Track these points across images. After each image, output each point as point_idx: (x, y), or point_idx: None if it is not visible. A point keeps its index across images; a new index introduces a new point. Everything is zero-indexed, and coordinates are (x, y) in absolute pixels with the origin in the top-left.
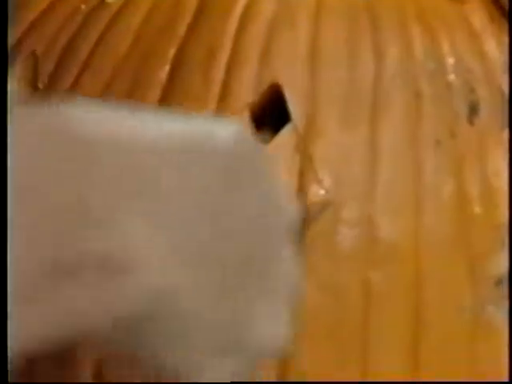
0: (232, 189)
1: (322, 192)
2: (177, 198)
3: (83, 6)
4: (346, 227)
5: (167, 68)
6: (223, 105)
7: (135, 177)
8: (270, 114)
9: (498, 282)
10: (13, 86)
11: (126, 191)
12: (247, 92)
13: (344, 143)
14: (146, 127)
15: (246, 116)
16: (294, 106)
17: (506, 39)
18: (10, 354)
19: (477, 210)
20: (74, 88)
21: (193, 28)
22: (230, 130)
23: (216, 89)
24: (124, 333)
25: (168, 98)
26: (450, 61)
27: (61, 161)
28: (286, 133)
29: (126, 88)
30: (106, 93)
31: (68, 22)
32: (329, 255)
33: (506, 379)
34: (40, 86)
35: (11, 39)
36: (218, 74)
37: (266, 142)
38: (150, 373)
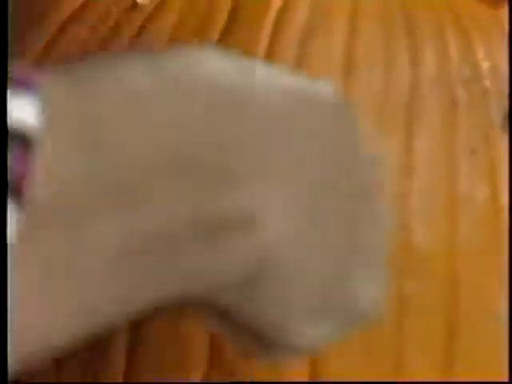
0: (340, 143)
1: None
2: (305, 150)
3: (115, 9)
4: None
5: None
6: None
7: (271, 130)
8: None
9: None
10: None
11: (265, 146)
12: None
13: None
14: (274, 79)
15: None
16: None
17: None
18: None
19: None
20: None
21: (226, 33)
22: (329, 87)
23: None
24: (242, 285)
25: None
26: (486, 66)
27: (201, 109)
28: None
29: None
30: None
31: (100, 24)
32: None
33: (506, 379)
34: None
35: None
36: None
37: None
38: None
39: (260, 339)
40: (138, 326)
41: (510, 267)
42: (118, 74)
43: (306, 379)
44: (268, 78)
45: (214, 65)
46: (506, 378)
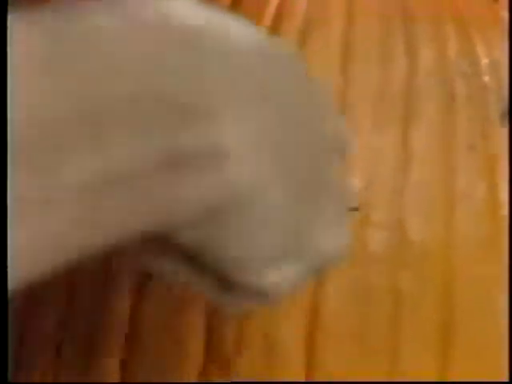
0: (305, 98)
1: (354, 194)
2: (275, 99)
3: None
4: (376, 230)
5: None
6: None
7: (244, 76)
8: None
9: None
10: None
11: (236, 89)
12: None
13: (376, 144)
14: (244, 29)
15: None
16: None
17: None
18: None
19: (508, 212)
20: None
21: None
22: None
23: None
24: (207, 221)
25: None
26: (485, 62)
27: (172, 48)
28: None
29: None
30: None
31: None
32: (359, 258)
33: (506, 379)
34: None
35: None
36: None
37: None
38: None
39: (223, 282)
40: (134, 321)
41: (510, 264)
42: (85, 15)
43: (302, 375)
44: (238, 28)
45: (184, 10)
46: (506, 378)
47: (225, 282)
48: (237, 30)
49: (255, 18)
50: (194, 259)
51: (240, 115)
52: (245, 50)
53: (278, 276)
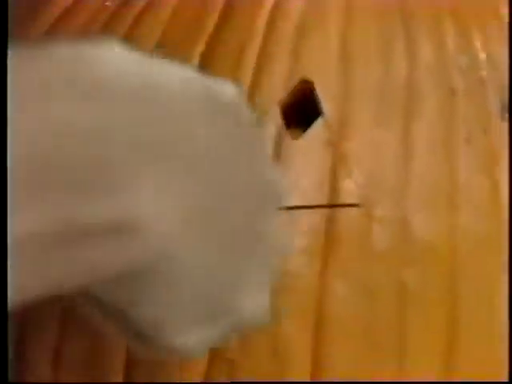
0: (237, 150)
1: (355, 189)
2: (206, 161)
3: (109, 3)
4: (379, 226)
5: (196, 62)
6: (253, 102)
7: (169, 130)
8: (301, 111)
9: None
10: None
11: (159, 159)
12: (277, 89)
13: (377, 140)
14: (167, 73)
15: (277, 112)
16: (326, 101)
17: None
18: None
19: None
20: None
21: (221, 25)
22: (234, 90)
23: (245, 86)
24: (122, 287)
25: None
26: (483, 56)
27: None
28: (316, 128)
29: None
30: None
31: (94, 19)
32: (362, 254)
33: (506, 379)
34: None
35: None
36: (248, 70)
37: (297, 137)
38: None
39: (141, 337)
40: None
41: (510, 259)
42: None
43: (308, 373)
44: (169, 77)
45: (112, 66)
46: (505, 378)
47: (140, 334)
48: (174, 82)
49: (251, 14)
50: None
51: (161, 184)
52: (183, 104)
53: (192, 339)
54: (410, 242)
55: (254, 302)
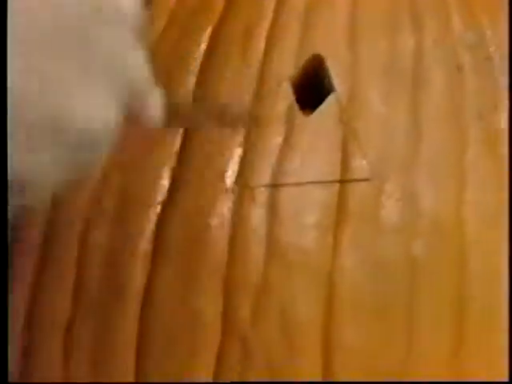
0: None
1: (366, 165)
2: None
3: None
4: (389, 200)
5: (204, 45)
6: (263, 78)
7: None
8: (311, 87)
9: None
10: None
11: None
12: (288, 65)
13: (386, 116)
14: None
15: (288, 88)
16: (336, 77)
17: None
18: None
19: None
20: None
21: (230, 3)
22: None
23: (256, 63)
24: None
25: (206, 73)
26: (489, 33)
27: None
28: (328, 104)
29: (164, 65)
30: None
31: None
32: (373, 229)
33: (506, 379)
34: None
35: None
36: (258, 47)
37: (308, 114)
38: None
39: None
40: (148, 292)
41: (510, 260)
42: None
43: (319, 348)
44: None
45: None
46: (506, 378)
47: None
48: None
49: None
50: None
51: None
52: None
53: (39, 163)
54: (419, 215)
55: (88, 112)
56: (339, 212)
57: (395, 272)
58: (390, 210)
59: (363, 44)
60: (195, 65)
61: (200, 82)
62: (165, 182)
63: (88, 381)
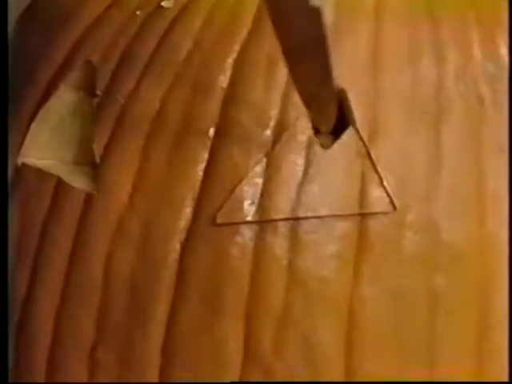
0: None
1: (386, 196)
2: None
3: (138, 12)
4: (410, 231)
5: (228, 73)
6: (285, 110)
7: None
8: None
9: None
10: (69, 95)
11: None
12: None
13: (407, 147)
14: None
15: (308, 120)
16: (356, 109)
17: None
18: None
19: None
20: (133, 94)
21: (253, 33)
22: None
23: (278, 94)
24: None
25: (229, 103)
26: (508, 64)
27: None
28: (348, 136)
29: (186, 94)
30: (167, 99)
31: (124, 29)
32: (394, 260)
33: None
34: (98, 93)
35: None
36: (280, 78)
37: (328, 146)
38: None
39: None
40: (171, 325)
41: (510, 264)
42: None
43: (343, 376)
44: None
45: None
46: (506, 378)
47: None
48: None
49: None
50: None
51: None
52: None
53: None
54: (440, 247)
55: None
56: (360, 243)
57: (416, 302)
58: (411, 240)
59: (385, 75)
60: (219, 92)
61: (224, 110)
62: (188, 211)
63: None
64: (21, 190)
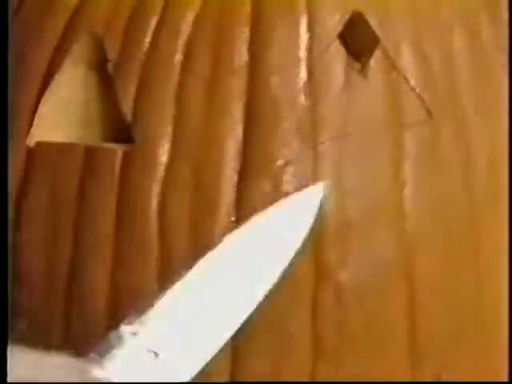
0: None
1: (419, 104)
2: None
3: None
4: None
5: (248, 22)
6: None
7: None
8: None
9: None
10: (75, 69)
11: None
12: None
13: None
14: None
15: (340, 45)
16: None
17: None
18: None
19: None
20: (153, 49)
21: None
22: None
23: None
24: None
25: (257, 38)
26: None
27: None
28: (375, 59)
29: (210, 37)
30: (191, 45)
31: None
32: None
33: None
34: (109, 69)
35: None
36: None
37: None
38: None
39: None
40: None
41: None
42: None
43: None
44: None
45: None
46: (506, 378)
47: None
48: None
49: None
50: None
51: None
52: None
53: None
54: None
55: None
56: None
57: None
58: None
59: None
60: (246, 31)
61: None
62: (235, 148)
63: None
64: (42, 169)
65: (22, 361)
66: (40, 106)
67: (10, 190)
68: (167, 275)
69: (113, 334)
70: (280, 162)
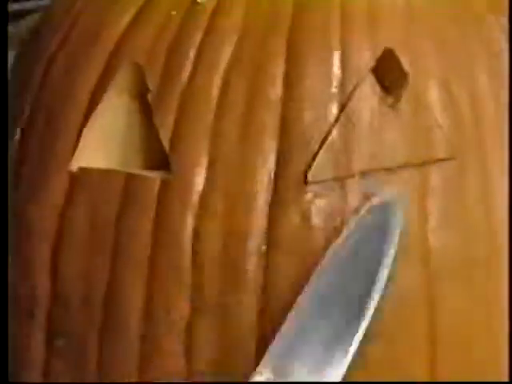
0: None
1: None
2: None
3: (174, 13)
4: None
5: (283, 57)
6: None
7: None
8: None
9: None
10: (118, 98)
11: None
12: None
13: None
14: None
15: (373, 79)
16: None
17: None
18: None
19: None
20: (191, 81)
21: (300, 9)
22: None
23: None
24: None
25: (291, 77)
26: None
27: None
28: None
29: (246, 74)
30: (228, 80)
31: (163, 29)
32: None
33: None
34: (149, 99)
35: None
36: (335, 41)
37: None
38: None
39: None
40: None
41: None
42: None
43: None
44: None
45: None
46: (506, 378)
47: None
48: None
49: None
50: None
51: None
52: None
53: None
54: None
55: None
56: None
57: None
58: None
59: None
60: (280, 69)
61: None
62: (267, 179)
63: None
64: (83, 193)
65: None
66: (84, 131)
67: (9, 190)
68: (198, 301)
69: None
70: (309, 196)
